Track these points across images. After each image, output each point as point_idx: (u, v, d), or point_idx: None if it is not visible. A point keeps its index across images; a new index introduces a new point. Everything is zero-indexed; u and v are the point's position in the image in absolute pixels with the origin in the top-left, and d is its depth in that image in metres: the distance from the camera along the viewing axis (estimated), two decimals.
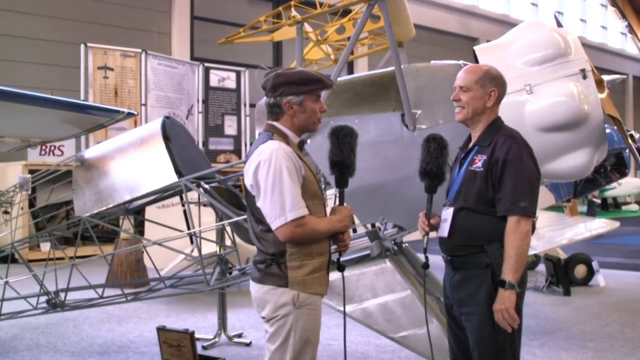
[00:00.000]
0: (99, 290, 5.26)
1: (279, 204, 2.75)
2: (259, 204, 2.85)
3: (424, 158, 3.16)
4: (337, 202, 3.03)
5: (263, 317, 2.93)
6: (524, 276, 2.99)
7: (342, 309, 3.33)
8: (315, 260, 2.89)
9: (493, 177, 2.97)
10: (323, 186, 4.54)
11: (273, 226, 2.80)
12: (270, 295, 2.87)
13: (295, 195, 2.76)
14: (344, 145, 2.93)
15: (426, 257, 3.27)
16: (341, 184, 3.01)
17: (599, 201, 20.91)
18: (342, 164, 2.95)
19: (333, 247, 3.01)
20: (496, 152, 2.98)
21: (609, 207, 24.45)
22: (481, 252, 2.99)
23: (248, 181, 2.88)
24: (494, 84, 3.11)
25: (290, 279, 2.84)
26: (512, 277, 2.87)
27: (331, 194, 3.60)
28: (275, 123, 2.95)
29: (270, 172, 2.76)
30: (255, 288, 2.96)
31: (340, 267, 3.09)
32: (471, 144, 3.16)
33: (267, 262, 2.90)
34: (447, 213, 3.12)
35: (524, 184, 2.92)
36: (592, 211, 19.52)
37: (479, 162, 3.03)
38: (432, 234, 3.21)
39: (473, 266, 3.02)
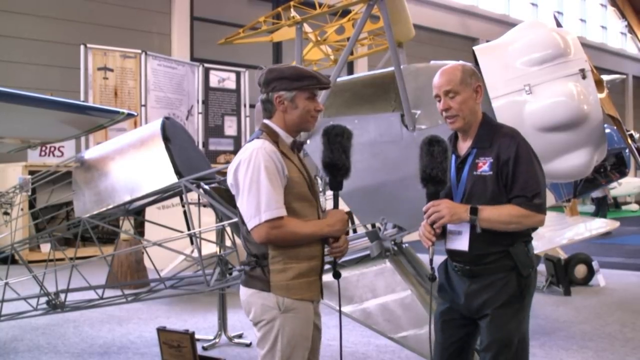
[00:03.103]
0: (99, 291, 5.25)
1: (255, 203, 2.66)
2: (238, 203, 2.77)
3: (427, 163, 2.83)
4: (332, 205, 2.92)
5: (251, 321, 2.86)
6: (530, 282, 2.96)
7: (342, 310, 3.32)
8: (302, 264, 2.76)
9: (504, 178, 2.88)
10: (321, 188, 4.50)
11: (249, 226, 2.71)
12: (255, 298, 2.79)
13: (271, 195, 2.65)
14: (334, 145, 2.78)
15: (432, 269, 2.98)
16: (334, 186, 2.86)
17: (611, 200, 20.40)
18: (333, 165, 2.80)
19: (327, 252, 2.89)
20: (503, 153, 2.89)
21: (609, 207, 24.38)
22: (505, 255, 2.91)
23: (229, 180, 2.81)
24: (474, 78, 3.00)
25: (272, 283, 2.73)
26: (483, 217, 2.82)
27: (331, 195, 3.58)
28: (268, 122, 2.87)
29: (249, 172, 2.68)
30: (242, 291, 2.88)
31: (336, 274, 2.92)
32: (469, 147, 3.01)
33: (251, 265, 2.81)
34: (462, 225, 2.92)
35: (535, 182, 2.88)
36: (603, 211, 19.06)
37: (484, 166, 2.91)
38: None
39: (496, 271, 2.92)
